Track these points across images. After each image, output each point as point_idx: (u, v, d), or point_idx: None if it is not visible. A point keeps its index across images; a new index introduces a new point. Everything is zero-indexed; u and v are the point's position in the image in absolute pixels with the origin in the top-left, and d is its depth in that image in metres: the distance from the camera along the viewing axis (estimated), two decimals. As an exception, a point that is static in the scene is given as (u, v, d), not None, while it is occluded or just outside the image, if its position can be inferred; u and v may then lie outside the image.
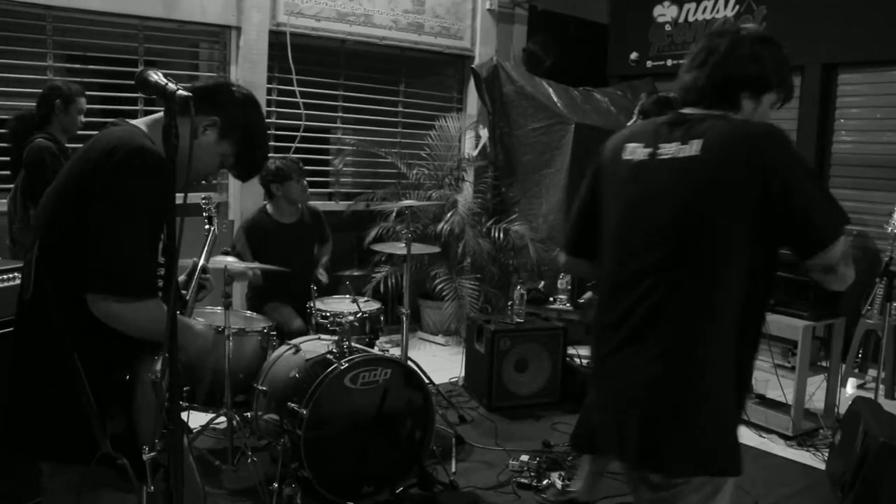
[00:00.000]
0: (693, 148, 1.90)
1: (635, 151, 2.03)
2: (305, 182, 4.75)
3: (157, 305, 1.84)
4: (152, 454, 1.69)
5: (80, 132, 4.57)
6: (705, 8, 7.69)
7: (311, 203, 5.12)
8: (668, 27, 8.03)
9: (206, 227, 2.85)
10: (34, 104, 4.58)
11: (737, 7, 7.41)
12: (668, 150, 1.95)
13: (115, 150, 1.81)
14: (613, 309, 2.01)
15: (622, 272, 2.01)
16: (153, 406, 1.88)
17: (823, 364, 5.13)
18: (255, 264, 4.20)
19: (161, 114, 1.98)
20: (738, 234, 1.86)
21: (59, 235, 1.85)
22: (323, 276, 4.84)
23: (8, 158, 4.73)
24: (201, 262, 2.43)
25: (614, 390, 2.03)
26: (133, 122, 1.99)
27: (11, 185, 4.63)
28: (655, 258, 1.94)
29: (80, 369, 1.80)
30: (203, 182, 2.47)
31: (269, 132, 2.24)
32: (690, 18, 7.82)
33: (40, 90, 4.59)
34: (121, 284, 1.78)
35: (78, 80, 5.16)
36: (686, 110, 2.03)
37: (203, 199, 3.00)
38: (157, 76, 1.64)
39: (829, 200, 1.86)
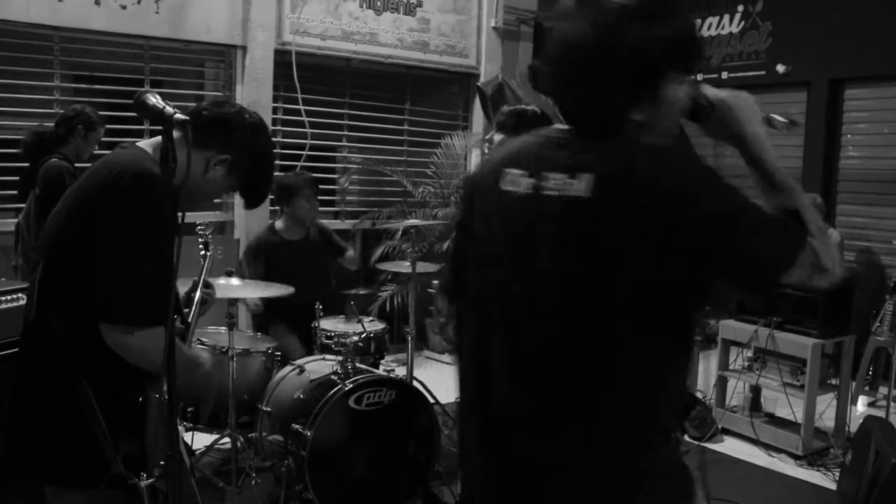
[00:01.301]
0: (582, 185, 1.43)
1: (517, 181, 1.55)
2: (315, 200, 4.74)
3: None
4: (150, 480, 1.68)
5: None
6: (710, 24, 7.71)
7: (320, 221, 5.10)
8: (673, 44, 8.02)
9: (202, 252, 2.84)
10: (38, 123, 4.60)
11: (742, 23, 7.42)
12: (555, 182, 1.47)
13: (121, 174, 1.81)
14: (495, 392, 1.57)
15: (515, 342, 1.54)
16: (159, 426, 1.87)
17: (833, 382, 5.08)
18: (256, 293, 4.17)
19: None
20: (642, 310, 1.43)
21: (65, 258, 1.84)
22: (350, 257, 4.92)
23: (15, 178, 4.75)
24: (202, 279, 2.43)
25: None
26: (140, 143, 1.99)
27: (15, 205, 4.64)
28: (541, 333, 1.50)
29: (88, 392, 1.79)
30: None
31: (275, 160, 2.25)
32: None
33: (49, 110, 4.62)
34: (130, 313, 1.78)
35: (85, 100, 5.19)
36: (567, 126, 1.56)
37: (199, 226, 2.99)
38: (155, 99, 1.63)
39: (765, 223, 1.44)
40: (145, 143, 1.99)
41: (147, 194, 1.80)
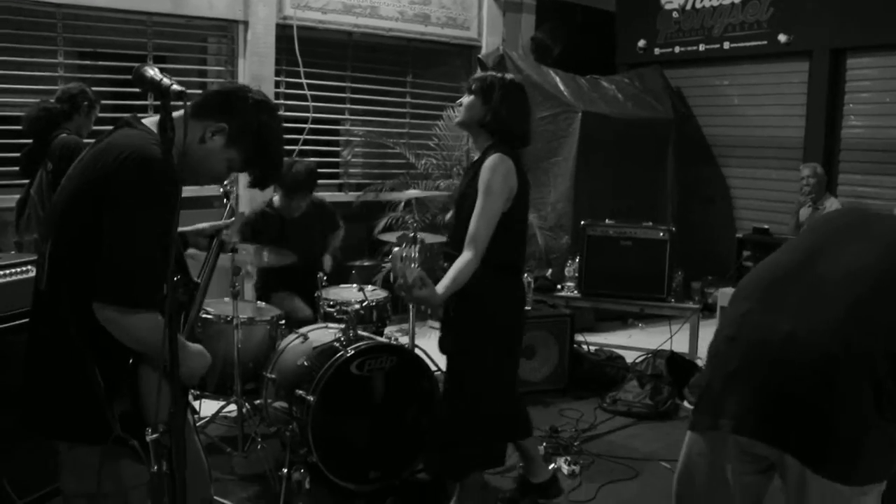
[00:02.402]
0: None
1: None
2: (303, 202, 4.66)
3: (155, 318, 1.84)
4: (155, 436, 1.75)
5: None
6: (713, -6, 7.69)
7: (319, 194, 5.13)
8: (675, 14, 8.02)
9: (224, 201, 2.86)
10: (41, 100, 4.67)
11: (744, -7, 7.41)
12: None
13: (128, 158, 1.83)
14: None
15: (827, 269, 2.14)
16: (157, 388, 1.94)
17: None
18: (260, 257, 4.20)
19: (174, 115, 2.01)
20: None
21: (73, 234, 1.89)
22: (328, 261, 4.83)
23: (17, 154, 4.81)
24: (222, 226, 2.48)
25: None
26: (146, 121, 2.00)
27: (16, 181, 4.69)
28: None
29: (90, 356, 1.86)
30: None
31: (281, 141, 2.18)
32: (698, 5, 7.81)
33: (53, 86, 4.66)
34: (125, 294, 1.80)
35: (88, 76, 5.25)
36: None
37: None
38: (153, 71, 1.68)
39: None
40: (150, 122, 2.00)
41: (153, 179, 1.82)
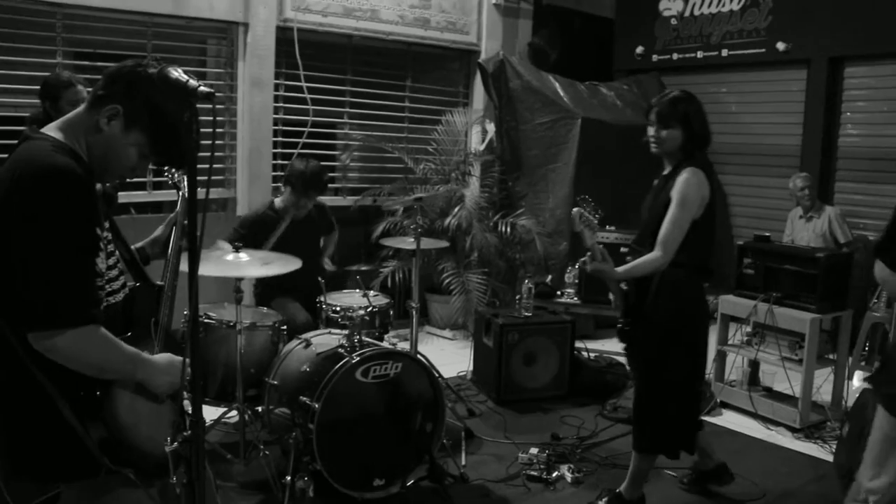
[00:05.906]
0: None
1: None
2: (311, 203, 4.69)
3: (95, 332, 1.77)
4: (174, 445, 1.71)
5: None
6: (711, 2, 7.70)
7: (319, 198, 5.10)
8: (673, 21, 8.03)
9: (178, 193, 2.76)
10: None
11: (742, 0, 7.42)
12: None
13: (21, 175, 1.73)
14: None
15: None
16: (146, 408, 1.91)
17: (831, 357, 5.14)
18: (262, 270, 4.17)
19: (74, 113, 1.91)
20: None
21: None
22: (328, 265, 4.84)
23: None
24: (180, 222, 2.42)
25: None
26: (48, 129, 1.89)
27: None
28: None
29: (55, 392, 1.77)
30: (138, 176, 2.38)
31: (185, 114, 1.93)
32: (696, 12, 7.83)
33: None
34: (48, 316, 1.70)
35: (87, 76, 5.18)
36: None
37: (165, 171, 2.87)
38: (177, 73, 1.64)
39: None
40: (53, 128, 1.88)
41: (51, 188, 1.72)
